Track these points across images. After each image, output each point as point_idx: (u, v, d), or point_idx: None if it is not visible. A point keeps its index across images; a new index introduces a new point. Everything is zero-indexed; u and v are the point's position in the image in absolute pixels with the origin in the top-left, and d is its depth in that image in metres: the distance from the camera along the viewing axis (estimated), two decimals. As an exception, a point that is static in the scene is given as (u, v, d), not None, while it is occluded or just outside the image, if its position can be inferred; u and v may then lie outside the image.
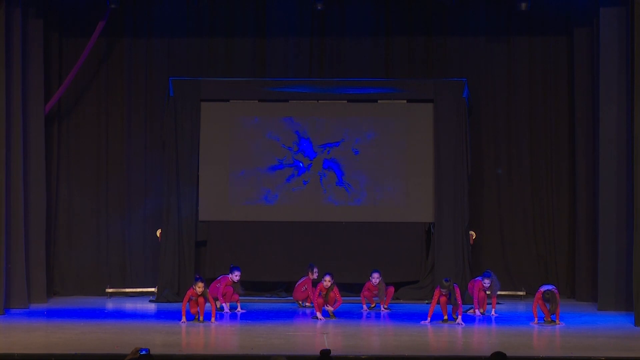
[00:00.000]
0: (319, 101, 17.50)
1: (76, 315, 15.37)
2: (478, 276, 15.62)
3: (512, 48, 17.71)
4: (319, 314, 15.07)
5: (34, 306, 16.09)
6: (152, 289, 17.32)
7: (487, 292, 15.57)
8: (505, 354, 9.25)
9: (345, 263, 17.11)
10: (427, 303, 15.54)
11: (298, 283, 16.49)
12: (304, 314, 15.75)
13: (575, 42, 17.25)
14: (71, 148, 17.69)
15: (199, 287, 14.62)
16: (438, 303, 14.76)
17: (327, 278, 15.25)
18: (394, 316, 15.66)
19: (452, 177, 17.17)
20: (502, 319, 15.19)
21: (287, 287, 17.24)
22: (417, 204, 17.36)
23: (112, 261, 17.61)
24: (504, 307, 16.27)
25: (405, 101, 17.48)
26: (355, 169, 17.43)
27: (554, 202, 17.63)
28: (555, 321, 14.57)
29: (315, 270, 16.30)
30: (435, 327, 14.41)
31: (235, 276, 15.73)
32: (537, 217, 17.66)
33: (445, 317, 14.77)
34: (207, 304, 14.82)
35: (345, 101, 17.48)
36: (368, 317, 15.68)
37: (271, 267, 17.28)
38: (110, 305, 16.68)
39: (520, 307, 16.50)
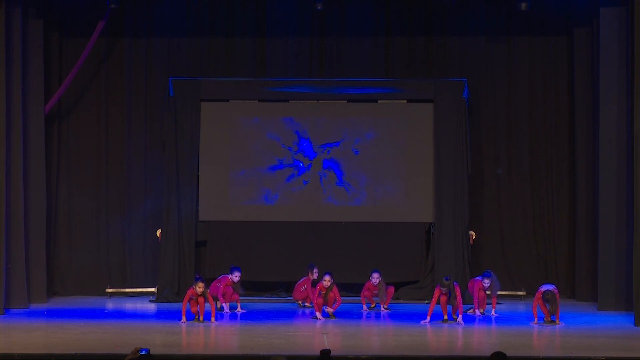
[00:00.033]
0: (319, 101, 17.49)
1: (76, 315, 15.37)
2: (478, 276, 15.63)
3: (512, 48, 17.70)
4: (318, 314, 15.06)
5: (34, 306, 16.08)
6: (152, 289, 17.32)
7: (487, 292, 15.57)
8: (505, 354, 9.25)
9: (345, 263, 17.11)
10: (427, 303, 15.51)
11: (298, 283, 16.50)
12: (304, 314, 15.75)
13: (575, 42, 17.24)
14: (71, 148, 17.69)
15: (199, 287, 14.62)
16: (438, 302, 14.76)
17: (327, 278, 15.25)
18: (394, 316, 15.65)
19: (452, 177, 17.16)
20: (502, 319, 15.18)
21: (287, 287, 17.23)
22: (417, 204, 17.35)
23: (112, 261, 17.60)
24: (504, 307, 16.27)
25: (405, 101, 17.47)
26: (355, 169, 17.42)
27: (554, 202, 17.62)
28: (555, 321, 14.58)
29: (315, 270, 16.29)
30: (435, 327, 14.41)
31: (235, 277, 15.73)
32: (537, 217, 17.65)
33: (445, 317, 14.77)
34: (207, 304, 14.82)
35: (345, 101, 17.47)
36: (368, 317, 15.67)
37: (271, 267, 17.27)
38: (110, 305, 16.67)
39: (520, 307, 16.49)
